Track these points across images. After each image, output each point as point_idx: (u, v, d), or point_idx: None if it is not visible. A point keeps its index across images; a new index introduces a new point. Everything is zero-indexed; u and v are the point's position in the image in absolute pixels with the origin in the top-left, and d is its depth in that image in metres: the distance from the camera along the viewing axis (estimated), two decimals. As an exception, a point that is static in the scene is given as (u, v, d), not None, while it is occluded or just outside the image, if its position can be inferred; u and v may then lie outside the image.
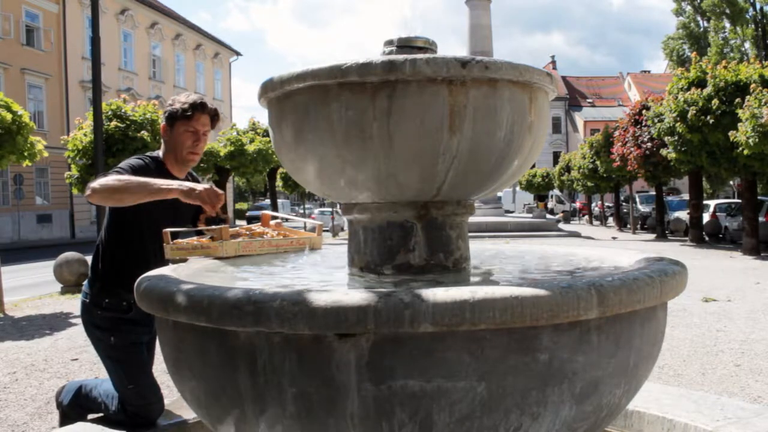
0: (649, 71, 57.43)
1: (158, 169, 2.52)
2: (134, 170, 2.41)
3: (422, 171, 1.75)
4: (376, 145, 1.70)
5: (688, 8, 38.57)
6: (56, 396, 2.88)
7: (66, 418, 2.77)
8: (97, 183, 2.24)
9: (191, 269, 2.02)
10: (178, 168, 2.60)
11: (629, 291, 1.42)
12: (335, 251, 2.60)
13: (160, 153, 2.63)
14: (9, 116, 7.06)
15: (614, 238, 19.81)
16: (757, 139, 10.79)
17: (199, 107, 2.53)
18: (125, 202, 2.27)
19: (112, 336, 2.51)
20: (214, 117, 2.61)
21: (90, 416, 2.72)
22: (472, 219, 2.31)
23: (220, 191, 2.18)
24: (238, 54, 41.85)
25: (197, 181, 2.72)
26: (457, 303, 1.26)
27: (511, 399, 1.37)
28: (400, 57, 1.63)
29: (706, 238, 17.31)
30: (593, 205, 35.57)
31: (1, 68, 23.66)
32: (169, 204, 2.30)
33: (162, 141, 2.64)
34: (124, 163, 2.48)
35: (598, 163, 23.26)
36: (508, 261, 2.41)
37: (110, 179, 2.26)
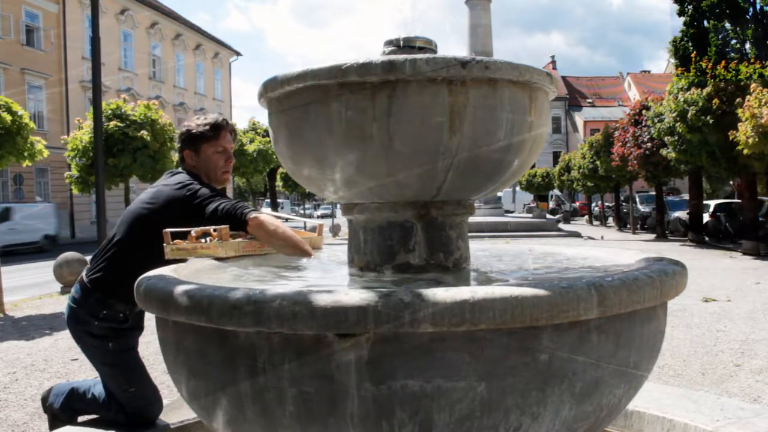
0: (649, 71, 57.43)
1: None
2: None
3: (422, 171, 1.75)
4: (376, 145, 1.70)
5: (689, 8, 38.49)
6: (43, 399, 2.81)
7: (56, 421, 2.72)
8: (264, 216, 2.10)
9: (191, 269, 2.02)
10: None
11: (629, 291, 1.42)
12: (335, 251, 2.60)
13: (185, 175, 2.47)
14: (9, 117, 7.06)
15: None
16: (756, 139, 10.79)
17: (222, 125, 2.50)
18: (267, 243, 2.15)
19: (110, 342, 2.46)
20: (233, 132, 2.58)
21: (80, 418, 2.69)
22: (472, 219, 2.30)
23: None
24: (238, 54, 41.84)
25: None
26: (457, 303, 1.26)
27: (511, 399, 1.37)
28: (400, 57, 1.63)
29: (706, 238, 17.30)
30: (593, 205, 35.55)
31: (1, 68, 23.66)
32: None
33: (188, 167, 2.50)
34: (211, 189, 2.32)
35: (598, 163, 23.25)
36: (508, 261, 2.41)
37: (282, 224, 2.12)
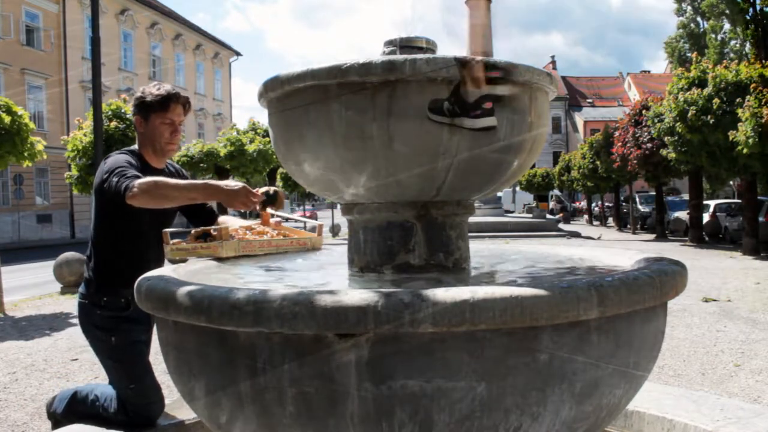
0: (649, 71, 57.37)
1: (140, 163, 2.47)
2: (133, 167, 2.33)
3: (422, 171, 1.75)
4: (376, 145, 1.70)
5: (688, 9, 38.51)
6: (47, 406, 2.82)
7: (59, 426, 2.70)
8: (140, 183, 2.10)
9: (191, 269, 2.02)
10: (157, 160, 2.57)
11: (629, 291, 1.42)
12: (335, 251, 2.60)
13: (136, 146, 2.58)
14: (9, 118, 7.06)
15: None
16: (757, 139, 10.79)
17: (173, 98, 2.50)
18: (165, 204, 2.19)
19: (113, 336, 2.49)
20: (186, 106, 2.58)
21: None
22: (472, 219, 2.31)
23: (256, 192, 2.11)
24: (238, 54, 41.83)
25: (179, 173, 2.70)
26: (457, 303, 1.26)
27: (511, 399, 1.37)
28: (400, 57, 1.63)
29: (706, 238, 17.30)
30: (593, 205, 35.54)
31: (1, 68, 23.66)
32: None
33: (136, 134, 2.58)
34: (122, 161, 2.36)
35: (598, 163, 23.25)
36: (508, 261, 2.41)
37: (153, 180, 2.13)
